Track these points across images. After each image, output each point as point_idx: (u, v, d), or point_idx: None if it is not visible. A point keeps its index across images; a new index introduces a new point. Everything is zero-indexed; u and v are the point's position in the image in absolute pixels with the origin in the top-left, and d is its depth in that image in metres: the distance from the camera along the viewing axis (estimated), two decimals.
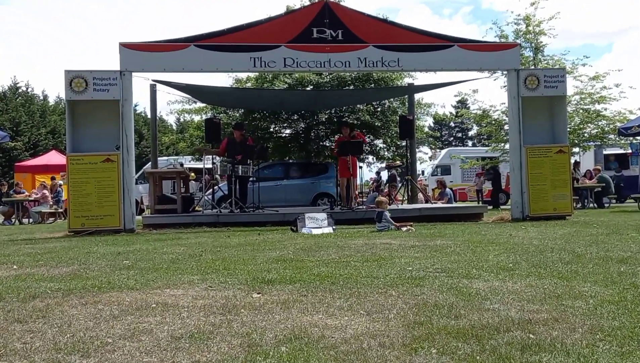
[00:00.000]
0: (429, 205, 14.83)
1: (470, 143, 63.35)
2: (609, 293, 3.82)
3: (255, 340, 2.92)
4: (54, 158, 23.48)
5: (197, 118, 22.04)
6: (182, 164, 18.57)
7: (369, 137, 19.36)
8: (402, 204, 15.60)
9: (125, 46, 10.80)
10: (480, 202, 22.02)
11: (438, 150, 36.15)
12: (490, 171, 21.74)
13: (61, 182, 18.92)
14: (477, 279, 4.47)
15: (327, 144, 20.03)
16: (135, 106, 50.14)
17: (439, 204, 15.46)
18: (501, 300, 3.68)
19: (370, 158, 21.72)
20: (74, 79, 10.49)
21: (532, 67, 18.44)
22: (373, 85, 18.53)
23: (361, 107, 19.06)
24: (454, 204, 17.28)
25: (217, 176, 14.71)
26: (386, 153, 21.23)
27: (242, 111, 19.64)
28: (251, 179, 13.17)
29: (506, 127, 17.24)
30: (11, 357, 2.77)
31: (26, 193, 18.56)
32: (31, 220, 17.45)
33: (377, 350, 2.76)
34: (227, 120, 19.08)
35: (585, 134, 19.42)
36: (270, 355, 2.70)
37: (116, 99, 10.56)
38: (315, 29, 11.20)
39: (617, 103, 26.62)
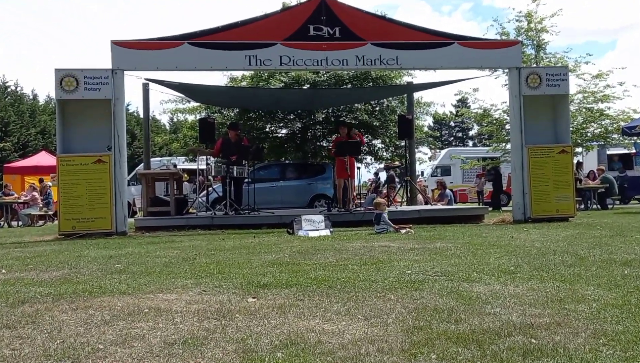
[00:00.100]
0: (428, 207, 14.84)
1: (470, 142, 63.47)
2: (612, 297, 3.83)
3: (250, 346, 2.92)
4: (43, 159, 23.44)
5: (190, 118, 22.04)
6: (175, 165, 18.54)
7: (367, 137, 19.37)
8: (401, 205, 15.61)
9: (117, 44, 10.79)
10: (481, 203, 22.04)
11: (438, 150, 36.21)
12: (491, 172, 21.78)
13: (50, 184, 18.89)
14: (478, 282, 4.47)
15: (325, 145, 20.05)
16: (128, 105, 50.15)
17: (439, 206, 15.48)
18: (502, 304, 3.69)
19: (369, 158, 21.76)
20: (64, 77, 10.47)
21: (534, 65, 18.50)
22: (371, 84, 18.55)
23: (359, 107, 19.08)
24: (454, 206, 17.28)
25: (210, 177, 14.69)
26: (385, 153, 21.27)
27: (237, 110, 19.65)
28: (246, 180, 13.17)
29: (507, 126, 17.28)
30: None
31: (15, 195, 18.52)
32: (20, 223, 17.41)
33: (376, 355, 2.75)
34: (222, 120, 19.08)
35: (588, 134, 19.46)
36: (265, 361, 2.70)
37: (108, 98, 10.55)
38: (312, 26, 11.20)
39: (621, 102, 26.74)
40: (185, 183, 16.68)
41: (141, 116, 24.01)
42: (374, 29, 11.42)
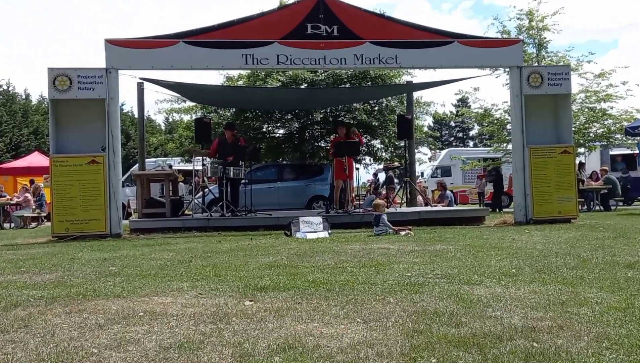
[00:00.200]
0: (428, 208, 14.85)
1: (471, 143, 63.52)
2: (615, 300, 3.84)
3: (247, 350, 2.92)
4: (36, 159, 23.39)
5: (186, 118, 22.05)
6: (170, 166, 18.54)
7: (365, 137, 19.38)
8: (400, 207, 15.63)
9: (111, 43, 10.78)
10: (482, 205, 22.07)
11: (438, 151, 36.21)
12: (492, 173, 21.81)
13: (42, 185, 18.87)
14: (479, 285, 4.48)
15: (323, 145, 20.05)
16: (122, 105, 50.03)
17: (439, 207, 15.48)
18: (504, 307, 3.69)
19: (368, 159, 21.76)
20: (57, 77, 10.46)
21: (536, 64, 18.53)
22: (370, 83, 18.56)
23: (358, 106, 19.08)
24: (455, 207, 17.29)
25: (205, 178, 14.71)
26: (384, 154, 21.27)
27: (234, 110, 19.65)
28: (243, 181, 13.17)
29: (509, 126, 17.28)
30: None
31: (7, 197, 18.49)
32: (13, 225, 17.38)
33: (375, 359, 2.76)
34: (218, 120, 19.08)
35: (591, 134, 19.51)
36: None
37: (102, 98, 10.54)
38: (310, 24, 11.21)
39: (624, 101, 26.74)
40: (181, 183, 16.68)
41: (136, 115, 24.06)
42: (372, 28, 11.43)
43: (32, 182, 19.27)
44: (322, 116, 19.46)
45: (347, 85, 18.62)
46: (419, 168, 25.39)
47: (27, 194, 17.87)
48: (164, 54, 10.93)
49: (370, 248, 7.19)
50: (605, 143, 20.27)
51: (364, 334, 3.16)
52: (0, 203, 17.45)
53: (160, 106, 27.26)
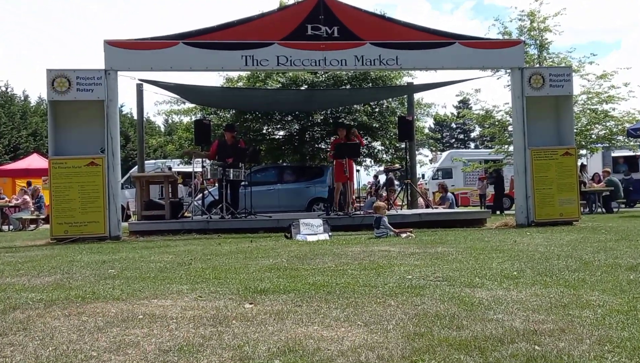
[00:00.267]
0: (429, 210, 14.85)
1: (472, 144, 63.51)
2: (618, 303, 3.84)
3: (247, 353, 2.92)
4: (35, 161, 23.41)
5: (186, 119, 22.04)
6: (170, 168, 18.58)
7: (366, 139, 19.37)
8: (401, 209, 15.63)
9: (110, 44, 10.79)
10: (483, 207, 22.08)
11: (439, 152, 36.18)
12: (492, 175, 21.82)
13: (39, 186, 18.87)
14: (480, 288, 4.48)
15: (323, 147, 20.05)
16: (121, 106, 50.11)
17: (440, 210, 15.48)
18: (505, 310, 3.69)
19: (368, 160, 21.75)
20: (56, 78, 10.47)
21: (537, 65, 18.53)
22: (370, 84, 18.55)
23: (358, 108, 19.08)
24: (456, 210, 17.29)
25: (203, 180, 14.71)
26: (384, 156, 21.26)
27: (234, 111, 19.65)
28: (243, 183, 13.17)
29: (510, 128, 17.28)
30: None
31: (6, 199, 18.51)
32: (11, 227, 17.40)
33: (376, 362, 2.76)
34: (218, 121, 19.08)
35: (593, 136, 19.50)
36: None
37: (101, 99, 10.55)
38: (310, 25, 11.22)
39: (626, 103, 26.79)
40: (180, 185, 16.69)
41: (135, 117, 24.08)
42: (373, 29, 11.45)
43: (29, 184, 19.27)
44: (322, 117, 19.46)
45: (348, 86, 18.62)
46: (419, 170, 25.42)
47: (26, 197, 17.89)
48: (163, 55, 10.94)
49: (371, 251, 7.19)
50: (607, 145, 20.25)
51: (364, 337, 3.16)
52: None
53: (159, 107, 27.33)
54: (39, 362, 2.87)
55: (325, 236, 9.48)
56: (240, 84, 19.47)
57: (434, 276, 5.07)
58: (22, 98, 50.65)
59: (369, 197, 20.58)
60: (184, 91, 15.32)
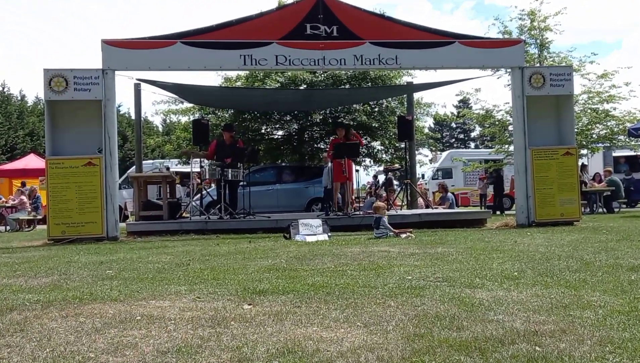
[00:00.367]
0: (429, 210, 14.85)
1: (472, 144, 63.55)
2: (619, 303, 3.84)
3: (246, 354, 2.92)
4: (32, 161, 23.41)
5: (184, 119, 22.07)
6: (168, 168, 18.54)
7: (365, 138, 19.38)
8: (401, 209, 15.63)
9: (107, 43, 10.79)
10: (483, 207, 22.10)
11: (439, 152, 36.19)
12: (492, 175, 21.83)
13: (36, 187, 18.86)
14: (481, 288, 4.48)
15: (322, 147, 20.06)
16: (119, 106, 50.16)
17: (440, 210, 15.49)
18: (506, 311, 3.69)
19: (368, 160, 21.76)
20: (53, 78, 10.47)
21: (538, 64, 18.54)
22: (370, 84, 18.57)
23: (357, 108, 19.09)
24: (456, 210, 17.30)
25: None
26: (384, 156, 21.27)
27: (232, 111, 19.66)
28: (241, 183, 13.17)
29: (510, 128, 17.29)
30: None
31: (3, 199, 18.49)
32: (8, 228, 17.38)
33: None
34: (216, 121, 19.09)
35: (594, 135, 19.51)
36: None
37: (98, 99, 10.55)
38: (309, 24, 11.23)
39: (627, 102, 26.82)
40: (178, 185, 16.69)
41: (133, 117, 24.05)
42: (372, 28, 11.45)
43: (23, 184, 19.22)
44: (321, 117, 19.47)
45: (347, 86, 18.62)
46: (419, 170, 25.42)
47: (23, 197, 17.87)
48: (161, 55, 10.94)
49: (371, 251, 7.19)
50: (608, 145, 20.26)
51: (364, 338, 3.16)
52: None
53: (157, 107, 27.28)
54: None
55: (324, 237, 9.47)
56: (238, 83, 19.48)
57: (434, 276, 5.07)
58: (19, 98, 50.66)
59: (368, 197, 20.58)
60: (182, 91, 15.32)
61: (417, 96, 19.38)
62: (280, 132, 20.72)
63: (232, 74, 19.57)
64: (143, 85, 14.04)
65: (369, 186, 26.60)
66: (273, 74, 17.80)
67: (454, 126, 65.11)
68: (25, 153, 32.95)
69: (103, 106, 10.56)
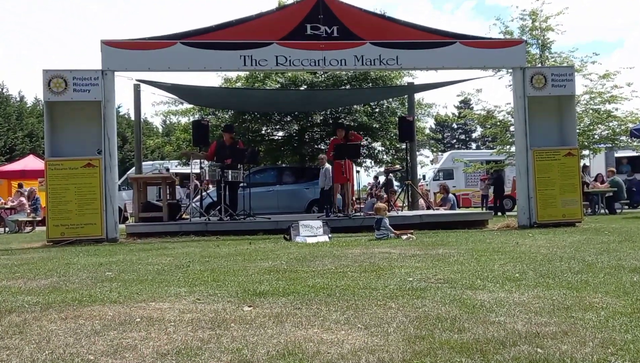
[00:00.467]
0: (430, 212, 14.86)
1: (474, 145, 63.52)
2: (621, 305, 3.84)
3: (246, 356, 2.92)
4: (31, 163, 23.41)
5: (184, 120, 22.11)
6: (168, 169, 18.57)
7: (366, 139, 19.39)
8: (402, 210, 15.63)
9: (107, 44, 10.80)
10: (485, 208, 22.10)
11: (440, 153, 36.22)
12: (493, 176, 21.83)
13: (35, 188, 18.86)
14: (482, 290, 4.48)
15: (323, 148, 20.07)
16: (118, 107, 50.16)
17: (442, 211, 15.49)
18: (507, 312, 3.69)
19: (368, 161, 21.77)
20: (52, 79, 10.47)
21: (539, 65, 18.55)
22: (371, 84, 18.58)
23: (358, 108, 19.11)
24: (457, 211, 17.30)
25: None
26: (385, 157, 21.28)
27: (232, 112, 19.68)
28: (242, 184, 13.17)
29: (512, 128, 17.30)
30: None
31: (2, 201, 18.49)
32: (7, 229, 17.38)
33: None
34: (216, 122, 19.12)
35: (596, 136, 19.50)
36: None
37: (98, 100, 10.55)
38: (309, 25, 11.23)
39: (629, 103, 26.84)
40: (178, 187, 16.70)
41: (132, 118, 24.05)
42: (373, 28, 11.45)
43: (20, 186, 19.21)
44: (321, 118, 19.48)
45: (348, 86, 18.64)
46: (420, 171, 25.43)
47: (22, 198, 17.88)
48: (161, 56, 10.95)
49: (371, 253, 7.19)
50: (610, 145, 20.26)
51: (365, 340, 3.16)
52: None
53: (157, 108, 27.44)
54: None
55: (324, 238, 9.47)
56: (238, 84, 19.50)
57: (435, 278, 5.07)
58: (18, 99, 50.68)
59: (369, 198, 20.59)
60: (182, 92, 15.33)
61: (418, 96, 19.40)
62: (281, 133, 20.73)
63: (232, 74, 19.60)
64: (143, 86, 14.06)
65: (369, 187, 26.62)
66: (273, 74, 17.82)
67: (455, 126, 65.09)
68: (24, 154, 32.95)
69: (102, 107, 10.56)
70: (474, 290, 4.46)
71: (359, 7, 11.70)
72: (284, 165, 20.43)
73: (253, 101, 17.08)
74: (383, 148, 21.13)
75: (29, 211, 17.88)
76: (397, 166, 19.41)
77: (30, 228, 17.95)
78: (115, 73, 10.81)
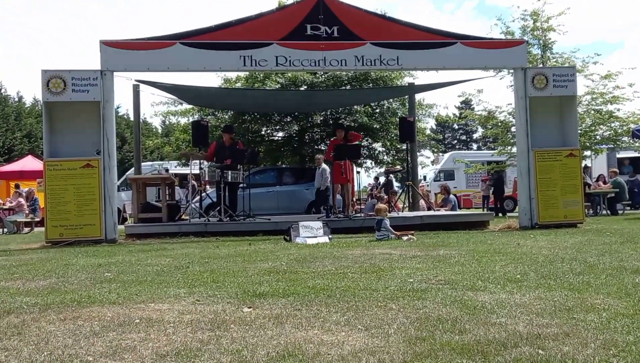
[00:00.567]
0: (431, 213, 14.85)
1: (475, 146, 63.55)
2: (623, 306, 3.83)
3: (246, 358, 2.92)
4: (30, 163, 23.41)
5: (183, 120, 22.10)
6: (167, 170, 18.56)
7: (367, 140, 19.39)
8: (402, 211, 15.63)
9: (106, 44, 10.80)
10: (486, 209, 22.10)
11: (441, 154, 36.23)
12: (494, 176, 21.82)
13: (34, 189, 18.86)
14: (483, 291, 4.48)
15: (323, 148, 20.07)
16: (118, 108, 50.20)
17: (442, 212, 15.49)
18: (508, 314, 3.69)
19: (369, 162, 21.76)
20: (51, 79, 10.48)
21: (540, 65, 18.56)
22: (371, 85, 18.59)
23: (358, 109, 19.11)
24: (458, 212, 17.30)
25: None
26: (385, 157, 21.28)
27: (232, 113, 19.68)
28: (241, 185, 13.17)
29: (513, 129, 17.30)
30: None
31: (0, 201, 18.49)
32: (6, 230, 17.39)
33: None
34: (216, 122, 19.12)
35: (597, 137, 19.51)
36: None
37: (97, 100, 10.56)
38: (309, 25, 11.24)
39: (631, 103, 26.84)
40: (178, 187, 16.70)
41: (131, 118, 24.09)
42: (373, 29, 11.46)
43: (17, 186, 19.20)
44: (322, 118, 19.48)
45: (348, 87, 18.64)
46: (421, 172, 25.43)
47: (20, 199, 17.88)
48: (160, 56, 10.95)
49: (372, 254, 7.19)
50: (612, 146, 20.26)
51: (365, 341, 3.16)
52: None
53: (156, 108, 27.51)
54: None
55: (325, 239, 9.47)
56: (238, 84, 19.51)
57: (436, 279, 5.07)
58: (17, 99, 50.69)
59: (369, 199, 20.59)
60: (181, 92, 15.33)
61: (418, 97, 19.40)
62: (281, 134, 20.73)
63: (232, 75, 19.61)
64: (142, 86, 14.06)
65: (370, 187, 26.62)
66: (273, 75, 17.83)
67: (456, 127, 65.12)
68: (22, 155, 32.95)
69: (101, 107, 10.57)
70: (475, 291, 4.46)
71: (360, 7, 11.70)
72: (283, 166, 20.43)
73: (253, 102, 17.09)
74: (384, 149, 21.13)
75: (27, 211, 17.88)
76: (398, 167, 19.42)
77: (29, 228, 17.95)
78: (115, 73, 10.82)
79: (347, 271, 5.67)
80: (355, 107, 18.99)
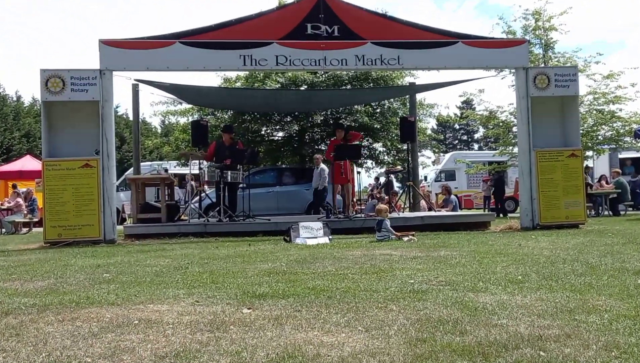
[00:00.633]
0: (432, 213, 14.86)
1: (476, 146, 63.57)
2: (625, 307, 3.83)
3: (245, 359, 2.92)
4: (28, 163, 23.42)
5: (182, 120, 22.08)
6: (166, 170, 18.56)
7: (367, 140, 19.38)
8: (403, 212, 15.63)
9: (105, 43, 10.80)
10: (487, 209, 22.09)
11: (442, 154, 36.22)
12: (494, 177, 21.83)
13: (32, 189, 18.86)
14: (484, 292, 4.47)
15: (323, 148, 20.07)
16: (117, 107, 50.18)
17: (443, 212, 15.48)
18: (510, 315, 3.69)
19: (369, 162, 21.76)
20: (50, 78, 10.47)
21: (542, 65, 18.56)
22: (372, 84, 18.58)
23: (359, 108, 19.10)
24: (459, 212, 17.30)
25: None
26: (386, 157, 21.27)
27: (231, 112, 19.67)
28: (241, 185, 13.17)
29: (514, 129, 17.31)
30: None
31: None
32: (4, 230, 17.38)
33: None
34: (215, 122, 19.10)
35: (599, 137, 19.51)
36: None
37: (96, 100, 10.55)
38: (310, 24, 11.23)
39: (633, 103, 26.84)
40: (177, 188, 16.70)
41: (131, 118, 24.09)
42: (374, 28, 11.45)
43: (14, 186, 19.19)
44: (322, 118, 19.47)
45: (348, 87, 18.63)
46: (422, 172, 25.44)
47: (19, 199, 17.88)
48: (159, 55, 10.95)
49: (372, 254, 7.19)
50: (614, 146, 20.26)
51: (365, 343, 3.16)
52: None
53: (156, 108, 27.47)
54: None
55: (325, 240, 9.47)
56: (238, 84, 19.50)
57: (436, 280, 5.06)
58: (15, 99, 50.68)
59: (369, 199, 20.59)
60: (180, 92, 15.33)
61: (419, 96, 19.40)
62: (281, 134, 20.72)
63: (232, 74, 19.60)
64: (141, 86, 14.05)
65: (370, 188, 26.62)
66: (273, 74, 17.82)
67: (457, 127, 65.20)
68: (21, 155, 32.95)
69: (100, 107, 10.56)
70: (476, 293, 4.46)
71: (360, 6, 11.70)
72: (283, 166, 20.42)
73: (253, 101, 17.08)
74: (384, 149, 21.12)
75: (25, 212, 17.88)
76: (399, 167, 19.40)
77: (27, 229, 17.94)
78: (114, 73, 10.82)
79: (348, 272, 5.67)
80: (356, 107, 18.99)
